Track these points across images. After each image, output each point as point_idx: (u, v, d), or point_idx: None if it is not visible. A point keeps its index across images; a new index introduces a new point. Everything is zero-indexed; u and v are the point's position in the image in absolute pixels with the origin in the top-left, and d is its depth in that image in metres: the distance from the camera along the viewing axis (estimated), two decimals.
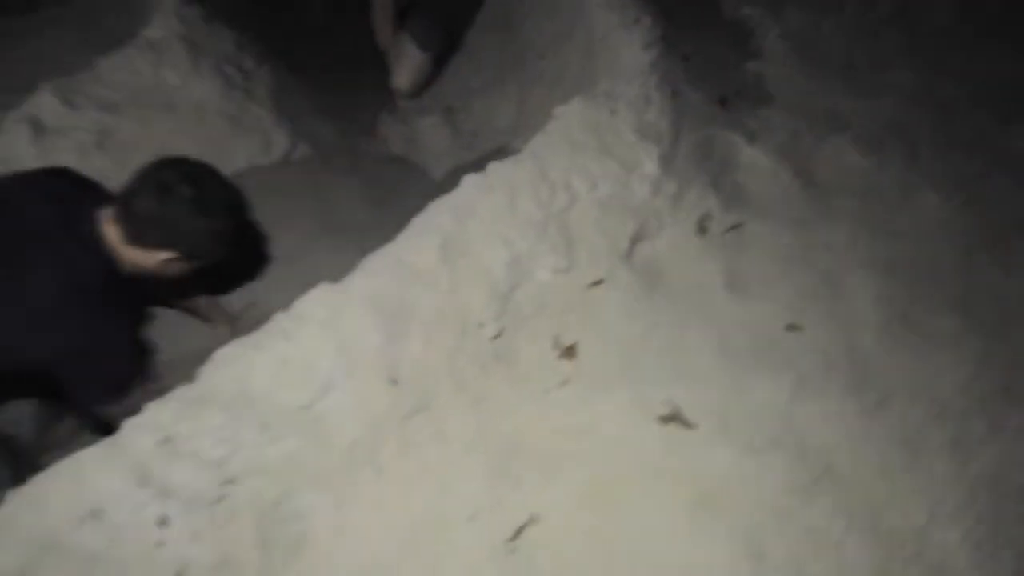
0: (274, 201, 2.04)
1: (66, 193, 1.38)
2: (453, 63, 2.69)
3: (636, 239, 1.51)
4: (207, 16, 1.97)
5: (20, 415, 1.67)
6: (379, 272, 1.31)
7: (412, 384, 1.30)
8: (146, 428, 1.12)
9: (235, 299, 1.90)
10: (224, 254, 1.48)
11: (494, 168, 1.42)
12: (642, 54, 1.63)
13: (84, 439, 1.51)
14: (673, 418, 1.25)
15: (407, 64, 2.63)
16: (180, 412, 1.14)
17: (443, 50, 2.68)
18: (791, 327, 1.41)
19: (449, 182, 1.55)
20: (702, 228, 1.54)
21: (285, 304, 1.28)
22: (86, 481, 1.07)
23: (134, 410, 1.18)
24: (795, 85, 1.97)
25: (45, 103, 1.74)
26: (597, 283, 1.46)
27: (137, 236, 1.36)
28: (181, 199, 1.34)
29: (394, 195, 2.31)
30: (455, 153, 2.40)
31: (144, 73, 1.81)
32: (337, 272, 1.32)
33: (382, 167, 2.41)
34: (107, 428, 1.20)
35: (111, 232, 1.37)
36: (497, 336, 1.40)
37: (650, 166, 1.48)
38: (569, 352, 1.41)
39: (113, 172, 1.69)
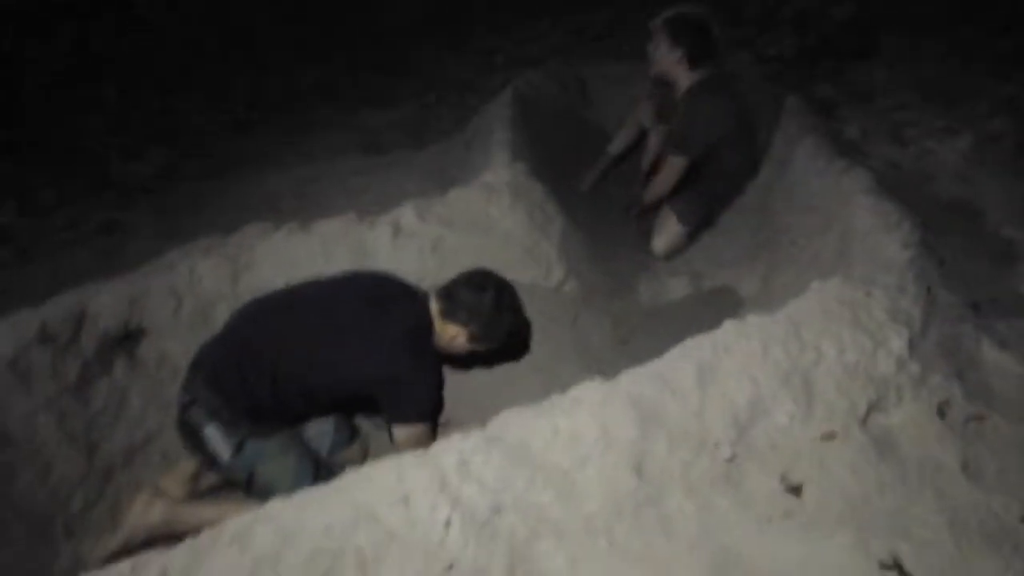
0: (541, 320, 2.45)
1: (406, 283, 2.05)
2: (707, 236, 3.05)
3: (874, 407, 1.64)
4: (528, 172, 2.54)
5: (321, 433, 2.13)
6: (642, 381, 1.59)
7: (651, 479, 1.52)
8: (452, 450, 1.45)
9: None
10: (500, 344, 2.02)
11: (752, 319, 1.68)
12: (901, 251, 1.84)
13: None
14: (895, 567, 1.32)
15: (666, 233, 3.05)
16: (476, 445, 1.46)
17: (700, 226, 3.06)
18: None
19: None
20: (941, 412, 1.63)
21: (526, 401, 1.61)
22: (405, 475, 1.42)
23: (418, 442, 1.65)
24: None
25: (406, 214, 2.34)
26: (830, 436, 1.60)
27: (450, 312, 1.92)
28: (487, 295, 1.92)
29: (638, 338, 2.63)
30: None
31: (477, 205, 2.38)
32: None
33: (630, 312, 2.75)
34: None
35: (434, 307, 1.93)
36: (730, 459, 1.58)
37: (898, 345, 1.64)
38: (795, 490, 1.54)
39: (439, 271, 2.22)
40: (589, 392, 1.56)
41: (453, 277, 1.99)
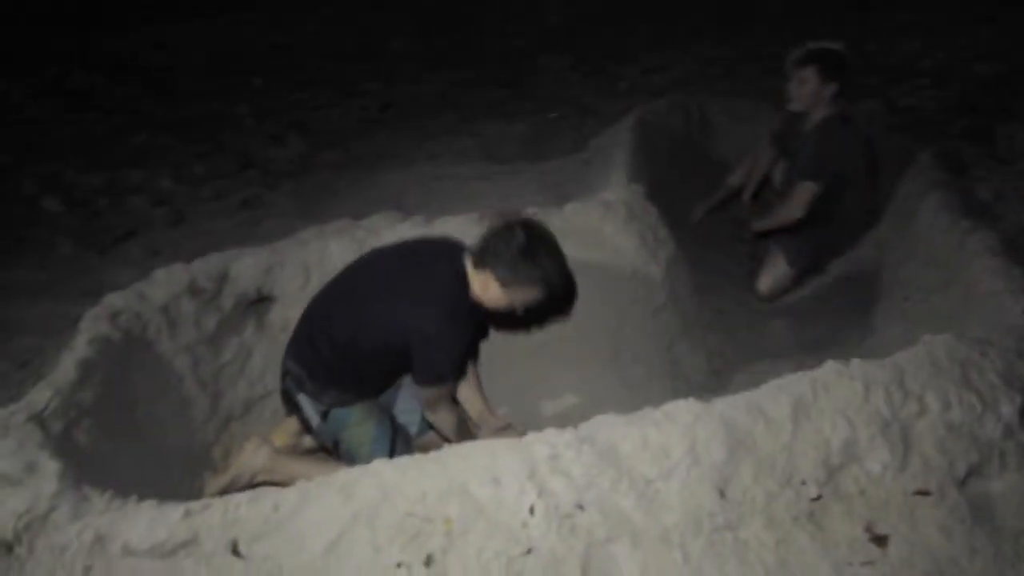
0: (636, 341, 2.50)
1: (455, 242, 2.07)
2: (817, 281, 3.01)
3: (974, 471, 1.60)
4: (644, 195, 2.61)
5: (410, 410, 2.25)
6: (737, 407, 1.63)
7: (734, 502, 1.55)
8: (545, 442, 1.54)
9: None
10: (537, 293, 1.89)
11: (857, 363, 1.67)
12: (1022, 316, 1.79)
13: None
14: None
15: (773, 273, 3.03)
16: (568, 441, 1.54)
17: (808, 270, 3.03)
18: None
19: None
20: None
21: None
22: (497, 458, 1.51)
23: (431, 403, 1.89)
24: None
25: None
26: (924, 493, 1.58)
27: (480, 259, 1.88)
28: (516, 238, 1.83)
29: (732, 373, 2.63)
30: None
31: (592, 220, 2.47)
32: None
33: (726, 347, 2.76)
34: None
35: (468, 260, 1.93)
36: (816, 499, 1.58)
37: (1007, 410, 1.60)
38: (880, 541, 1.53)
39: None
40: (682, 409, 1.61)
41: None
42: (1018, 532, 1.52)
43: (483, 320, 2.12)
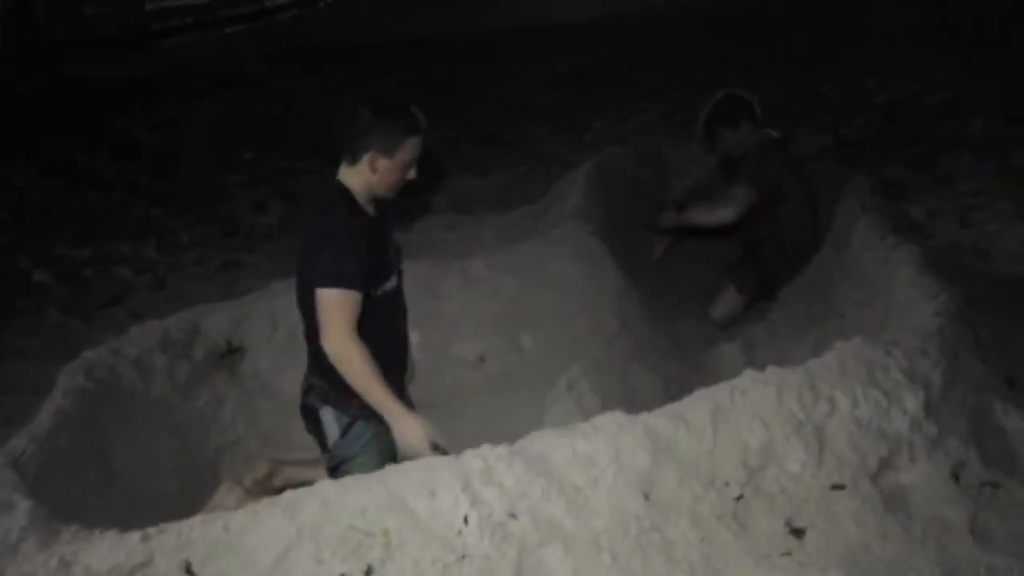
0: (592, 371, 2.62)
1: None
2: (765, 308, 3.14)
3: (885, 465, 1.70)
4: (591, 232, 2.77)
5: None
6: (659, 415, 1.74)
7: (659, 505, 1.64)
8: (478, 456, 1.65)
9: None
10: (408, 125, 1.90)
11: (771, 369, 1.79)
12: (931, 319, 1.91)
13: None
14: None
15: (724, 301, 3.17)
16: (500, 454, 1.65)
17: (758, 296, 3.16)
18: None
19: None
20: (955, 475, 1.66)
21: None
22: (434, 473, 1.62)
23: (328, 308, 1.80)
24: None
25: (476, 263, 2.62)
26: (839, 487, 1.67)
27: (350, 155, 1.90)
28: (364, 111, 1.87)
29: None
30: None
31: (540, 257, 2.62)
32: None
33: (681, 373, 2.87)
34: None
35: (342, 172, 1.95)
36: (738, 498, 1.68)
37: (913, 404, 1.70)
38: (798, 533, 1.62)
39: (504, 314, 2.44)
40: (608, 421, 1.73)
41: None
42: (928, 518, 1.61)
43: (380, 234, 2.04)
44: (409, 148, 1.92)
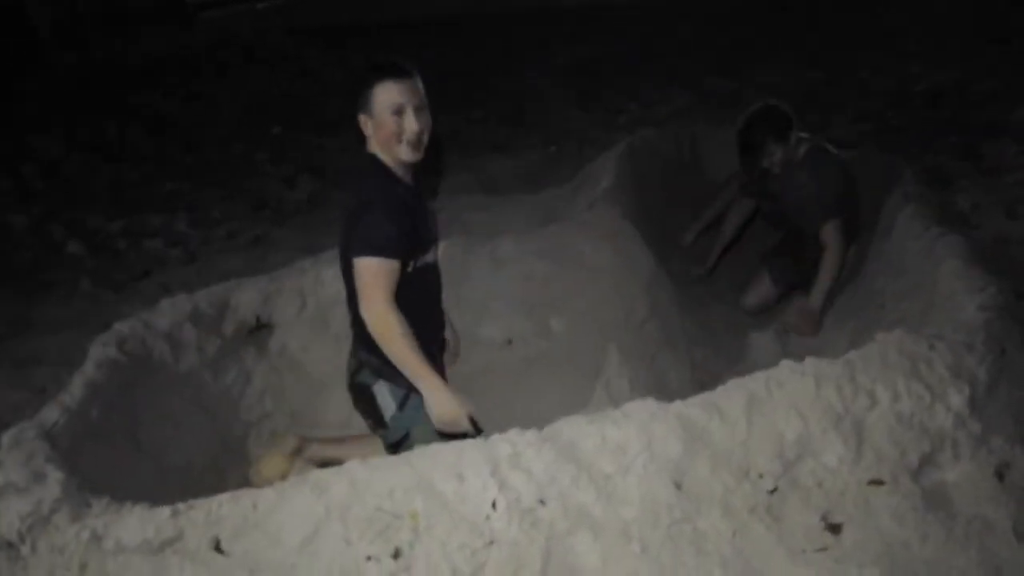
0: (620, 355, 2.58)
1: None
2: (802, 296, 3.07)
3: (927, 461, 1.64)
4: (622, 215, 2.72)
5: None
6: (692, 404, 1.70)
7: (691, 495, 1.61)
8: (507, 441, 1.63)
9: None
10: (383, 95, 1.85)
11: (810, 360, 1.74)
12: (977, 313, 1.84)
13: None
14: None
15: (758, 291, 3.10)
16: (530, 440, 1.63)
17: (792, 287, 3.09)
18: None
19: None
20: (1000, 474, 1.61)
21: None
22: (463, 456, 1.60)
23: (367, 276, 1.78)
24: None
25: (504, 244, 2.59)
26: (878, 483, 1.62)
27: (360, 124, 1.92)
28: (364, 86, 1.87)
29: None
30: None
31: (570, 239, 2.58)
32: None
33: (710, 359, 2.82)
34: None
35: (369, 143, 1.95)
36: (773, 491, 1.64)
37: (957, 400, 1.65)
38: (834, 528, 1.58)
39: (532, 297, 2.41)
40: (639, 408, 1.69)
41: None
42: (971, 518, 1.56)
43: (418, 204, 2.02)
44: (382, 94, 1.86)
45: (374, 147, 1.96)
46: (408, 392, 1.98)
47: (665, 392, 2.59)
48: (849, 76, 5.64)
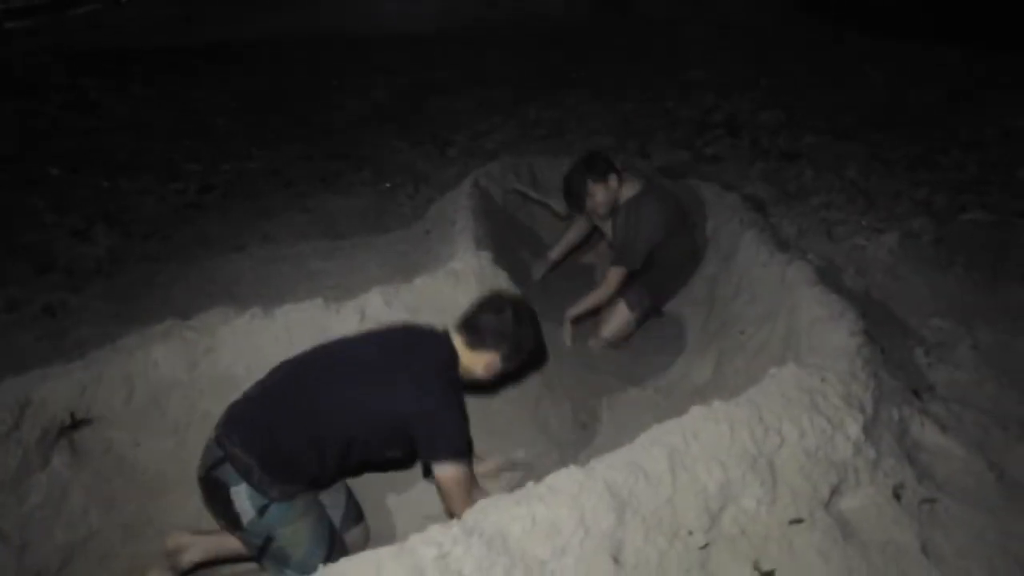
0: (503, 404, 2.46)
1: (427, 326, 2.09)
2: (658, 325, 3.16)
3: (835, 491, 1.70)
4: (492, 260, 2.61)
5: (334, 505, 2.05)
6: (617, 467, 1.61)
7: (629, 568, 1.52)
8: (430, 542, 1.42)
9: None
10: (529, 358, 2.09)
11: (718, 404, 1.74)
12: (848, 339, 1.96)
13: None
14: None
15: (616, 319, 3.14)
16: (455, 537, 1.44)
17: (648, 313, 3.17)
18: None
19: None
20: (897, 495, 1.71)
21: None
22: (383, 569, 1.37)
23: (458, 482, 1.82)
24: (985, 392, 2.16)
25: (373, 300, 2.36)
26: (797, 521, 1.65)
27: (478, 341, 1.97)
28: (507, 314, 1.98)
29: (596, 423, 2.66)
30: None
31: (444, 291, 2.42)
32: None
33: (588, 397, 2.79)
34: None
35: (458, 340, 1.99)
36: (704, 547, 1.60)
37: (854, 429, 1.73)
38: None
39: None
40: (565, 480, 1.57)
41: (469, 306, 2.06)
42: (883, 543, 1.62)
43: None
44: (524, 357, 2.07)
45: (464, 356, 1.99)
46: (269, 504, 1.83)
47: (548, 436, 2.53)
48: (655, 104, 6.07)
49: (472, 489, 1.93)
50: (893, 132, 4.79)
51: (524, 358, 2.07)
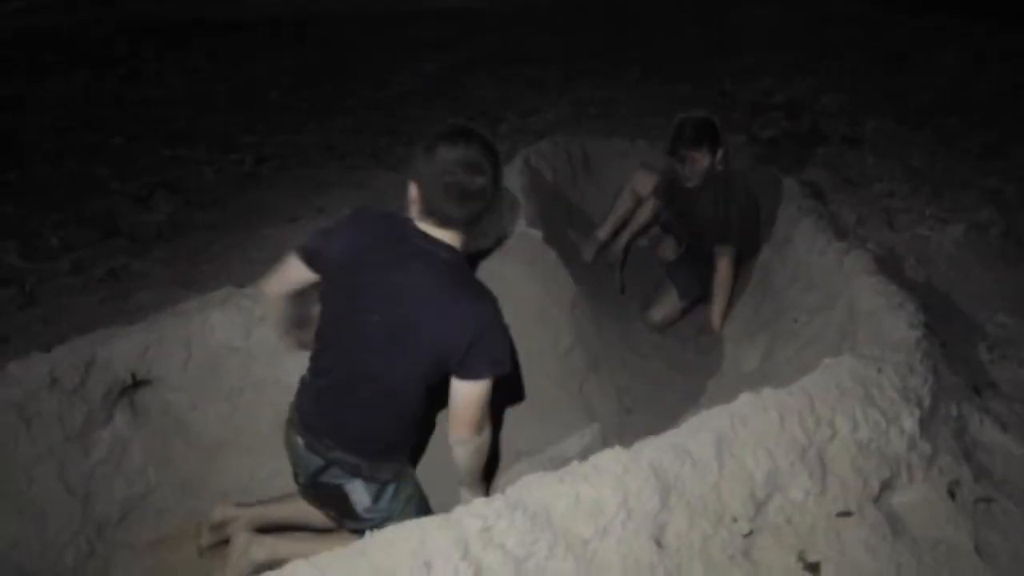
0: (549, 385, 2.47)
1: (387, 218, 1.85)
2: (703, 308, 3.11)
3: (886, 486, 1.66)
4: (543, 240, 2.61)
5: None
6: (663, 450, 1.61)
7: (671, 551, 1.52)
8: (475, 514, 1.44)
9: None
10: (448, 199, 1.66)
11: (768, 392, 1.71)
12: (908, 331, 1.90)
13: None
14: None
15: (665, 305, 3.11)
16: (499, 511, 1.46)
17: (697, 300, 3.13)
18: None
19: None
20: (952, 493, 1.66)
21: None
22: (427, 539, 1.40)
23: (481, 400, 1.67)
24: None
25: None
26: (846, 514, 1.62)
27: (468, 224, 1.71)
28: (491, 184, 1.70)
29: (642, 408, 2.65)
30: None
31: (493, 269, 2.42)
32: None
33: (633, 382, 2.78)
34: None
35: (450, 239, 1.71)
36: (748, 534, 1.58)
37: (909, 423, 1.68)
38: (813, 568, 1.54)
39: None
40: (610, 460, 1.57)
41: (423, 191, 1.75)
42: (934, 541, 1.58)
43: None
44: (434, 183, 1.75)
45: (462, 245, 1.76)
46: (383, 485, 1.84)
47: (594, 419, 2.52)
48: (711, 85, 5.93)
49: (488, 420, 1.77)
50: (962, 118, 4.59)
51: (434, 186, 1.70)
